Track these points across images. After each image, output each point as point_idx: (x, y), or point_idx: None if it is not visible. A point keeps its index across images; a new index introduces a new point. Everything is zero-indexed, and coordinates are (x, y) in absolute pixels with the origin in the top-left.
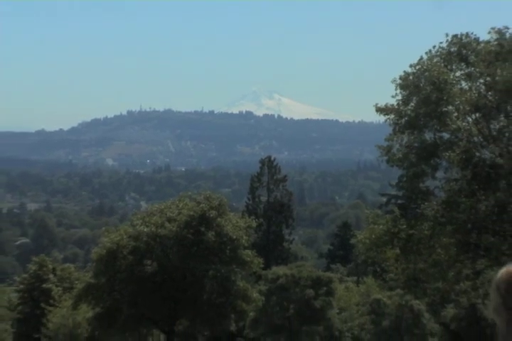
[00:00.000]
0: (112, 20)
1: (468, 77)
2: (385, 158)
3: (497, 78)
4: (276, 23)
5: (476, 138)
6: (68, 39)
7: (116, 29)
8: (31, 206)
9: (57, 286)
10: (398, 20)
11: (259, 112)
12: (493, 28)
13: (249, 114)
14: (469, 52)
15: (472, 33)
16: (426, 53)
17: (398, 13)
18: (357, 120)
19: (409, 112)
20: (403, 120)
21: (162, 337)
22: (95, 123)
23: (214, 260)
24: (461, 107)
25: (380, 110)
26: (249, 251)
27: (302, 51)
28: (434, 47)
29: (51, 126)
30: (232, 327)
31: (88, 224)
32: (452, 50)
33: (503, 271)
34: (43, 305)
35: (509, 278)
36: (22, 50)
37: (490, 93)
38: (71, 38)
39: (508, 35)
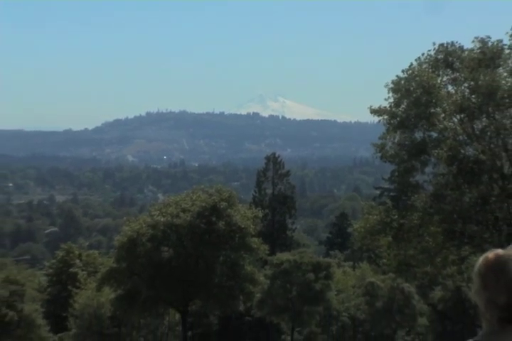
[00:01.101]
0: (133, 30)
1: (454, 81)
2: (379, 154)
3: (480, 82)
4: (279, 32)
5: (461, 137)
6: (92, 47)
7: (135, 39)
8: (59, 198)
9: (82, 270)
10: (391, 28)
11: (265, 113)
12: (476, 38)
13: (255, 115)
14: (454, 59)
15: (457, 42)
16: (415, 60)
17: (390, 21)
18: (353, 120)
19: (400, 113)
20: (395, 120)
21: (177, 316)
22: (117, 123)
23: (224, 247)
24: (448, 109)
25: (374, 111)
26: (256, 239)
27: (303, 58)
28: (422, 54)
29: (77, 126)
30: (241, 307)
31: (111, 214)
32: (439, 57)
33: (484, 257)
34: (69, 287)
35: (488, 264)
36: (50, 57)
37: (473, 96)
38: (94, 47)
39: (490, 43)
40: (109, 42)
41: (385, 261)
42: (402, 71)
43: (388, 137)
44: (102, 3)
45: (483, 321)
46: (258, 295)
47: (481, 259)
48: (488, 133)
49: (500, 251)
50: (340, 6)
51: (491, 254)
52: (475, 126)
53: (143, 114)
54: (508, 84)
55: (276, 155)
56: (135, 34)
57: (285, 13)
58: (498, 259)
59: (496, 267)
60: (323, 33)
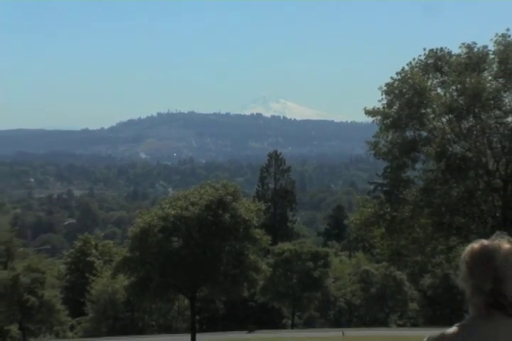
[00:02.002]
0: (144, 37)
1: (443, 84)
2: (373, 152)
3: (466, 85)
4: (281, 38)
5: (449, 136)
6: (107, 53)
7: (147, 46)
8: (77, 192)
9: (98, 259)
10: (383, 34)
11: (268, 114)
12: (463, 44)
13: (259, 115)
14: (443, 64)
15: (446, 48)
16: (407, 64)
17: (382, 26)
18: (349, 120)
19: (393, 114)
20: (388, 120)
21: (186, 301)
22: (131, 123)
23: (230, 237)
24: (437, 109)
25: (368, 112)
26: (259, 230)
27: (303, 62)
28: (413, 59)
29: (94, 126)
30: (245, 294)
31: (124, 208)
32: (429, 61)
33: (470, 247)
34: (86, 275)
35: (474, 253)
36: (69, 61)
37: (461, 97)
38: (110, 52)
39: (475, 49)
40: (123, 48)
41: (378, 250)
42: (397, 74)
43: (381, 136)
44: (114, 6)
45: (470, 306)
46: (261, 283)
47: (467, 249)
48: (475, 132)
49: (485, 241)
50: (340, 12)
51: (476, 244)
52: (462, 125)
53: (154, 114)
54: (493, 86)
55: (278, 153)
56: (147, 41)
57: (285, 21)
58: (483, 249)
59: (481, 256)
60: (322, 39)
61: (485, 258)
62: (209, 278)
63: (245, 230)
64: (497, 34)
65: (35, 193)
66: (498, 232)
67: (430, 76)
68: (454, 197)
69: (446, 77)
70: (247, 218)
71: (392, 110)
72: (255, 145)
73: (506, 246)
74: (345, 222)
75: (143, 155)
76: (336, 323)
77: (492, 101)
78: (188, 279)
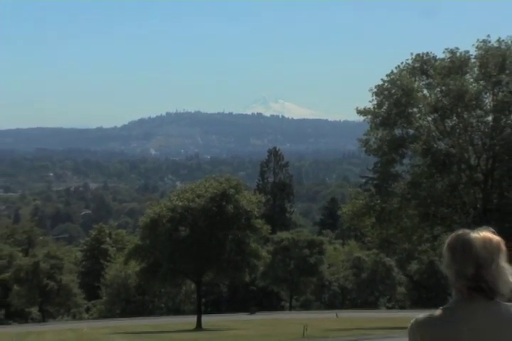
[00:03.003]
0: (150, 43)
1: (428, 86)
2: (364, 148)
3: (451, 87)
4: (281, 41)
5: (434, 133)
6: (117, 56)
7: (155, 50)
8: (92, 185)
9: (112, 247)
10: (376, 40)
11: (268, 113)
12: (446, 49)
13: (259, 114)
14: (429, 67)
15: (431, 52)
16: (396, 68)
17: (374, 29)
18: (342, 119)
19: (382, 113)
20: (378, 119)
21: (193, 285)
22: (141, 121)
23: (232, 227)
24: (423, 109)
25: (360, 112)
26: (259, 220)
27: (300, 65)
28: (402, 63)
29: (107, 124)
30: (247, 279)
31: (136, 199)
32: (416, 65)
33: (453, 235)
34: (101, 261)
35: (457, 240)
36: (83, 65)
37: (445, 98)
38: (120, 55)
39: (458, 54)
40: (133, 53)
41: (369, 238)
42: (387, 75)
43: (372, 133)
44: (121, 8)
45: (454, 290)
46: (261, 268)
47: (450, 237)
48: (458, 130)
49: (466, 230)
50: (337, 15)
51: (458, 233)
52: (446, 124)
53: (163, 113)
54: (475, 88)
55: (277, 149)
56: (155, 46)
57: (285, 26)
58: (464, 237)
59: (462, 243)
60: (318, 44)
61: (466, 246)
62: (214, 264)
63: (247, 220)
64: (478, 40)
65: (54, 186)
66: (484, 227)
67: (417, 78)
68: (439, 190)
69: (431, 80)
70: (248, 209)
71: (382, 110)
72: (256, 142)
73: (485, 234)
74: (339, 212)
75: (153, 152)
76: (330, 305)
77: (474, 102)
78: (195, 265)
